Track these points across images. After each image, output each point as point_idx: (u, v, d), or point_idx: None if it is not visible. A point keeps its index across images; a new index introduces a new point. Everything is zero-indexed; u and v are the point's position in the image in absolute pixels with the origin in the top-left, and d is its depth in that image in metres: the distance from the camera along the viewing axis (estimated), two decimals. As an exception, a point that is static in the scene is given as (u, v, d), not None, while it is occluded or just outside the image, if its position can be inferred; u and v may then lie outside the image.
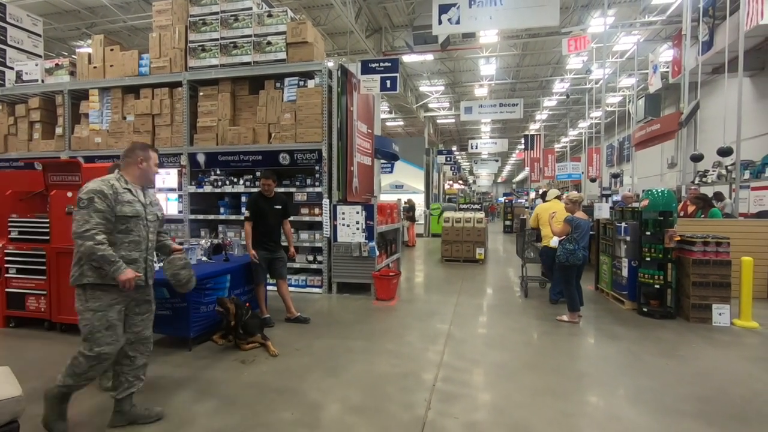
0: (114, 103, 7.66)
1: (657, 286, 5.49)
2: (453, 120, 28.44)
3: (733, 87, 8.46)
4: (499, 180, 61.12)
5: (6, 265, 4.92)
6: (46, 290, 4.76)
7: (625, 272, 6.00)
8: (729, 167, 10.40)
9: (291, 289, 6.87)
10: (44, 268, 4.76)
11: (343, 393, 3.34)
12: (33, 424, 2.69)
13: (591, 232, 5.93)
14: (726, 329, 5.04)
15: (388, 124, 27.63)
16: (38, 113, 8.11)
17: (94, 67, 7.77)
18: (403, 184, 17.94)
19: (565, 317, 5.37)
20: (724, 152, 8.67)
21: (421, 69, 19.67)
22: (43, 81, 8.17)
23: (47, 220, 4.80)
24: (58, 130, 8.02)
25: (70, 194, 4.95)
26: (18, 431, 2.21)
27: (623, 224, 6.07)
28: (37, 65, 8.26)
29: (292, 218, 6.96)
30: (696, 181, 11.49)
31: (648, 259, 5.56)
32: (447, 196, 25.13)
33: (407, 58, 16.43)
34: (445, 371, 3.79)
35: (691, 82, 10.55)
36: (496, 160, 34.99)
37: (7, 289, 4.92)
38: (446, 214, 10.92)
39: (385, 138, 11.48)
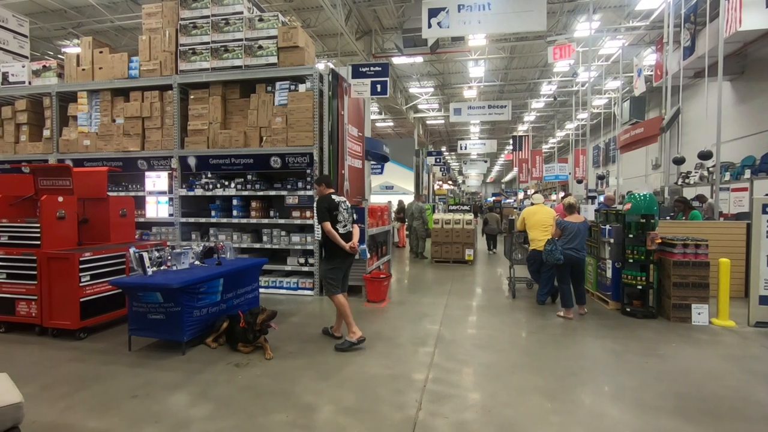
0: (103, 105, 7.62)
1: (639, 287, 5.68)
2: (442, 121, 28.63)
3: (714, 91, 8.72)
4: (488, 180, 61.60)
5: (-4, 271, 4.90)
6: (36, 295, 4.75)
7: (609, 273, 6.18)
8: (710, 169, 10.71)
9: (282, 291, 6.96)
10: (35, 273, 4.75)
11: (336, 395, 3.42)
12: (32, 429, 2.73)
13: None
14: (704, 328, 5.23)
15: (378, 125, 27.71)
16: (25, 115, 8.02)
17: (83, 69, 7.71)
18: (393, 185, 18.06)
19: (561, 313, 5.73)
20: (704, 156, 8.94)
21: (411, 71, 19.80)
22: (30, 83, 8.07)
23: (38, 225, 4.79)
24: (46, 133, 7.95)
25: (60, 199, 4.96)
26: (18, 437, 2.25)
27: (607, 227, 6.25)
28: (23, 67, 8.16)
29: (283, 221, 7.04)
30: (679, 182, 11.79)
31: (631, 260, 5.74)
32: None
33: (397, 60, 16.54)
34: (436, 372, 3.90)
35: (674, 86, 10.81)
36: (485, 161, 35.28)
37: (-3, 295, 4.90)
38: (436, 216, 11.04)
39: (375, 140, 11.57)
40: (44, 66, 8.11)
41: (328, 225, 4.52)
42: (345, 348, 4.43)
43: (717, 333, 5.08)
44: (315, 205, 5.02)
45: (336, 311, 4.73)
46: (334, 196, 4.65)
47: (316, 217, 4.99)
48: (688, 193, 10.75)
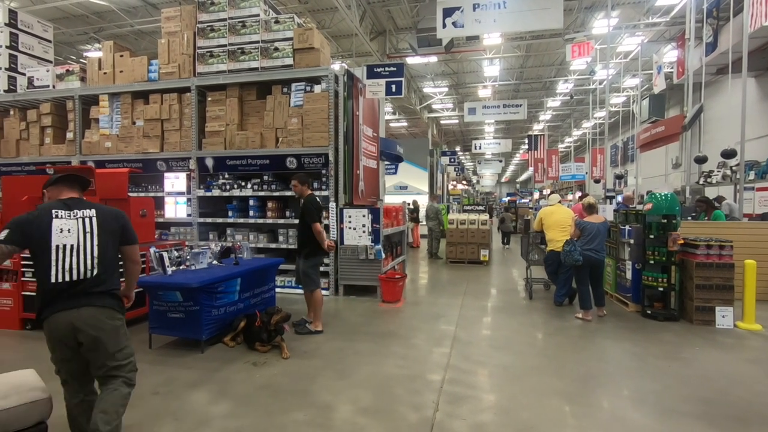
0: (124, 108, 7.79)
1: (661, 289, 5.56)
2: (456, 121, 28.47)
3: (738, 88, 8.47)
4: (503, 180, 61.02)
5: (22, 269, 5.05)
6: (61, 293, 4.86)
7: (629, 275, 6.06)
8: (734, 168, 10.42)
9: (298, 291, 6.98)
10: (60, 271, 4.86)
11: (353, 394, 3.43)
12: (58, 424, 2.79)
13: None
14: (729, 331, 5.09)
15: (392, 125, 27.70)
16: (49, 118, 8.25)
17: (104, 73, 7.90)
18: (407, 185, 18.01)
19: (579, 314, 5.63)
20: (728, 155, 8.70)
21: (425, 70, 19.74)
22: (54, 87, 8.31)
23: (62, 225, 4.91)
24: (69, 135, 8.16)
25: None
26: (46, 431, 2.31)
27: (627, 227, 6.14)
28: (48, 71, 8.40)
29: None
30: (701, 182, 11.50)
31: (652, 262, 5.62)
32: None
33: (411, 60, 16.50)
34: (452, 373, 3.88)
35: (696, 83, 10.55)
36: (500, 161, 34.92)
37: (23, 293, 5.05)
38: (451, 216, 10.99)
39: (389, 140, 11.57)
40: (67, 70, 8.33)
41: (319, 226, 4.76)
42: (303, 332, 4.91)
43: (742, 336, 4.94)
44: (303, 205, 4.95)
45: (318, 303, 5.05)
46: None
47: (306, 217, 4.86)
48: (710, 193, 10.47)
